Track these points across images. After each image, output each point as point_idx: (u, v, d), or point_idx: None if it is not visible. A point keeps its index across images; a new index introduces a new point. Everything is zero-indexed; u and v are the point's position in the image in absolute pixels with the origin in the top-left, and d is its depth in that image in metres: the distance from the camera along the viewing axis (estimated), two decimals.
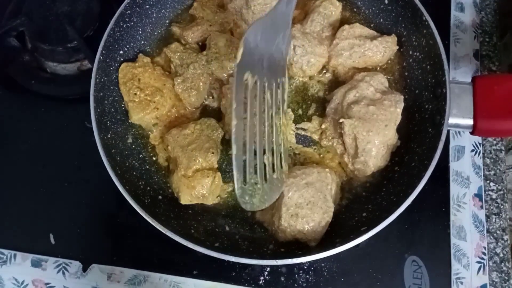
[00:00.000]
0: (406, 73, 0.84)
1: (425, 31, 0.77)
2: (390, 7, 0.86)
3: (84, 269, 0.81)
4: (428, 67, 0.78)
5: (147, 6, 0.87)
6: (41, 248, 0.82)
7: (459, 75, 0.95)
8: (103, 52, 0.79)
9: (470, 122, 0.72)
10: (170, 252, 0.79)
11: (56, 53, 0.91)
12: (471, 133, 0.74)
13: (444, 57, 0.74)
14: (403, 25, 0.84)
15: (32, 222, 0.84)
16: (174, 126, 0.81)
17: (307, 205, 0.70)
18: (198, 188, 0.74)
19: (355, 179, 0.79)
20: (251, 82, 0.63)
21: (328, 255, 0.64)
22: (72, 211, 0.84)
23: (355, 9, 0.91)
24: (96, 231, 0.83)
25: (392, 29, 0.86)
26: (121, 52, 0.84)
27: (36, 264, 0.82)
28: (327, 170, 0.74)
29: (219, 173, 0.76)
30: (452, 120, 0.72)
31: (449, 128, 0.72)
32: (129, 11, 0.83)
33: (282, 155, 0.71)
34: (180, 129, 0.79)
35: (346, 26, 0.84)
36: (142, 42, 0.88)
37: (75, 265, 0.81)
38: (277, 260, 0.65)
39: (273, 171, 0.68)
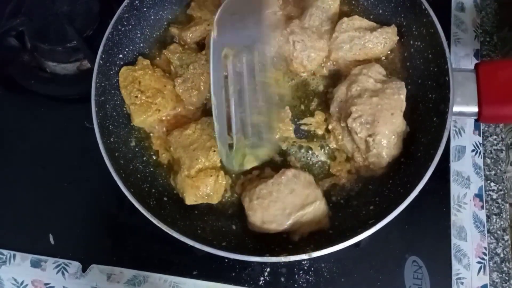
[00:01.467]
0: (408, 63, 0.83)
1: (425, 20, 0.77)
2: None
3: (84, 270, 0.80)
4: (430, 56, 0.78)
5: (145, 9, 0.87)
6: (41, 249, 0.82)
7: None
8: (103, 56, 0.78)
9: (475, 109, 0.71)
10: (170, 252, 0.79)
11: (56, 53, 0.91)
12: (477, 120, 0.73)
13: (446, 45, 0.73)
14: (403, 15, 0.83)
15: (31, 222, 0.84)
16: (177, 127, 0.81)
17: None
18: (202, 187, 0.74)
19: (363, 172, 0.79)
20: (232, 57, 0.71)
21: (337, 249, 0.64)
22: (72, 211, 0.84)
23: (353, 2, 0.90)
24: (96, 231, 0.83)
25: (391, 19, 0.85)
26: (120, 55, 0.83)
27: (35, 264, 0.82)
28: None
29: (222, 172, 0.76)
30: (456, 108, 0.71)
31: (454, 117, 0.71)
32: (127, 15, 0.83)
33: (272, 115, 0.73)
34: (181, 130, 0.79)
35: (345, 18, 0.83)
36: (141, 44, 0.88)
37: (75, 265, 0.81)
38: (287, 257, 0.64)
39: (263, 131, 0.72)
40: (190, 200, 0.75)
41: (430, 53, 0.78)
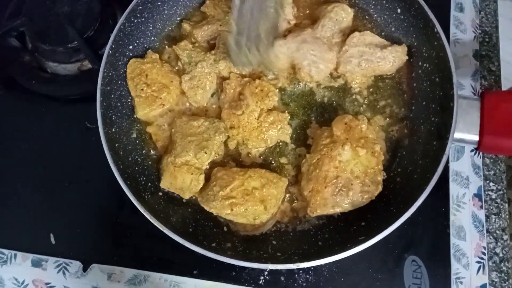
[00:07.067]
0: (414, 84, 0.83)
1: (436, 43, 0.77)
2: (402, 17, 0.85)
3: (85, 269, 0.81)
4: (437, 79, 0.78)
5: (159, 3, 0.87)
6: (42, 248, 0.82)
7: (459, 75, 0.94)
8: (113, 46, 0.79)
9: (476, 138, 0.71)
10: (170, 251, 0.79)
11: (57, 53, 0.91)
12: (476, 149, 0.73)
13: (454, 70, 0.73)
14: (414, 35, 0.83)
15: (32, 222, 0.84)
16: None
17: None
18: (179, 180, 0.75)
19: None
20: None
21: (324, 262, 0.65)
22: (73, 211, 0.84)
23: (366, 17, 0.90)
24: (97, 231, 0.83)
25: (403, 39, 0.85)
26: (130, 47, 0.84)
27: (36, 264, 0.82)
28: None
29: (203, 176, 0.76)
30: (457, 135, 0.71)
31: (453, 143, 0.71)
32: (140, 7, 0.83)
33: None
34: (190, 118, 0.80)
35: (357, 33, 0.83)
36: (152, 38, 0.88)
37: (76, 265, 0.81)
38: (275, 265, 0.66)
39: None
40: (164, 184, 0.77)
41: (438, 76, 0.77)
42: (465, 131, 0.72)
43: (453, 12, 1.00)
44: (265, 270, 0.79)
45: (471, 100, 0.73)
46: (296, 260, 0.66)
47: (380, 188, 0.73)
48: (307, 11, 0.91)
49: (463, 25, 1.00)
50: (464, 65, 0.95)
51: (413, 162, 0.77)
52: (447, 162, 0.86)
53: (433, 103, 0.78)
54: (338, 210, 0.72)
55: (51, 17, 0.91)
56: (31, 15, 0.92)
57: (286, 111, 0.82)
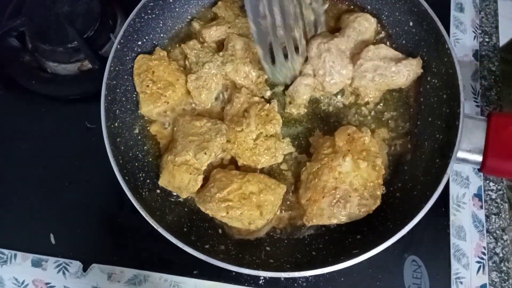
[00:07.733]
0: (422, 99, 0.83)
1: (446, 59, 0.76)
2: (414, 30, 0.84)
3: (85, 269, 0.81)
4: (445, 96, 0.77)
5: (171, 0, 0.87)
6: (42, 248, 0.82)
7: None
8: (121, 41, 0.79)
9: (479, 158, 0.71)
10: (170, 251, 0.79)
11: (57, 53, 0.91)
12: (479, 170, 0.72)
13: (462, 89, 0.72)
14: (425, 50, 0.82)
15: (32, 222, 0.84)
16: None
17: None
18: (177, 179, 0.75)
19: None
20: None
21: (316, 273, 0.65)
22: (73, 211, 0.84)
23: (378, 28, 0.89)
24: (97, 231, 0.83)
25: (413, 52, 0.84)
26: (139, 42, 0.84)
27: (36, 264, 0.82)
28: None
29: (201, 176, 0.76)
30: (460, 155, 0.70)
31: (456, 162, 0.70)
32: (152, 3, 0.83)
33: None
34: (193, 118, 0.80)
35: (372, 46, 0.82)
36: (161, 35, 0.89)
37: (76, 265, 0.82)
38: (266, 272, 0.66)
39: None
40: (162, 182, 0.77)
41: (445, 93, 0.77)
42: (469, 151, 0.71)
43: (453, 12, 1.00)
44: None
45: (478, 120, 0.72)
46: (288, 268, 0.67)
47: (378, 202, 0.72)
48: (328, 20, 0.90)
49: (463, 25, 1.00)
50: (464, 65, 0.95)
51: (414, 178, 0.76)
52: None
53: (439, 120, 0.77)
54: (334, 221, 0.72)
55: (51, 17, 0.91)
56: (31, 15, 0.92)
57: (286, 139, 0.82)
